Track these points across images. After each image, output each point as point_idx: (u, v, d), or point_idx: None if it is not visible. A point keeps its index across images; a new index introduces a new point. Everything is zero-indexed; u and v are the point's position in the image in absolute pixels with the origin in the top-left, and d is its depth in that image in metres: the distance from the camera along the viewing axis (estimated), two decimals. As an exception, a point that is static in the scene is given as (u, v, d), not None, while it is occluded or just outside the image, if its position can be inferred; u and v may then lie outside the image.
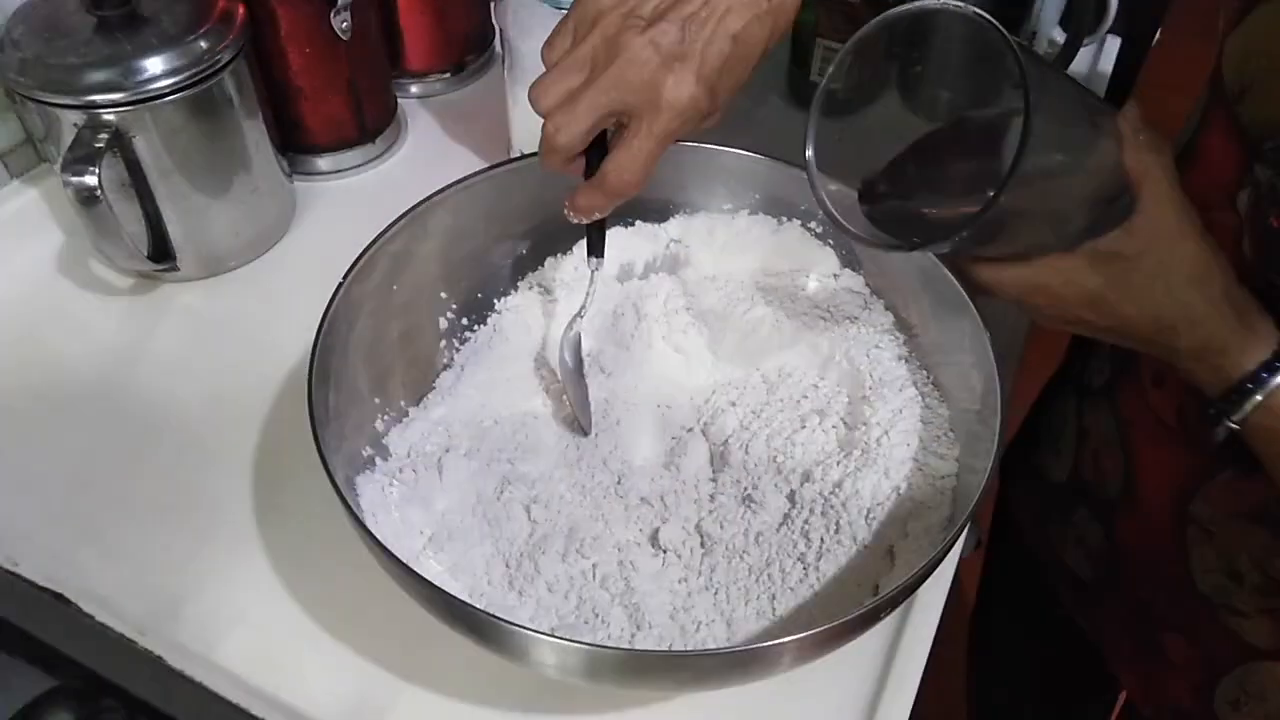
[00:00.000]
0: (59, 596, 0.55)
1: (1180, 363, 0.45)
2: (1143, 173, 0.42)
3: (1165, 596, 0.60)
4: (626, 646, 0.48)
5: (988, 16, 0.37)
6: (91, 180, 0.61)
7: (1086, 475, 0.65)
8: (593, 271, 0.56)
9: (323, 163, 0.82)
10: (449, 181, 0.58)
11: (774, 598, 0.51)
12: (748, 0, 0.44)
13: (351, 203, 0.81)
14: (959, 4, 0.38)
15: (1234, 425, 0.44)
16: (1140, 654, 0.65)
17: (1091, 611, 0.69)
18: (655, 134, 0.44)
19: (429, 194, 0.57)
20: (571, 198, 0.49)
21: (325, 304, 0.52)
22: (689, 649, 0.49)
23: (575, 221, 0.50)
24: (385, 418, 0.57)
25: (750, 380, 0.61)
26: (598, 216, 0.49)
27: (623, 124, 0.45)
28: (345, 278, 0.53)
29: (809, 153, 0.44)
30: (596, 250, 0.55)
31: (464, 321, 0.63)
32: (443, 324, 0.62)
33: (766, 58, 0.47)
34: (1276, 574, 0.52)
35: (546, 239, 0.64)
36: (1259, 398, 0.43)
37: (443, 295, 0.61)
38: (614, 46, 0.44)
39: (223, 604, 0.56)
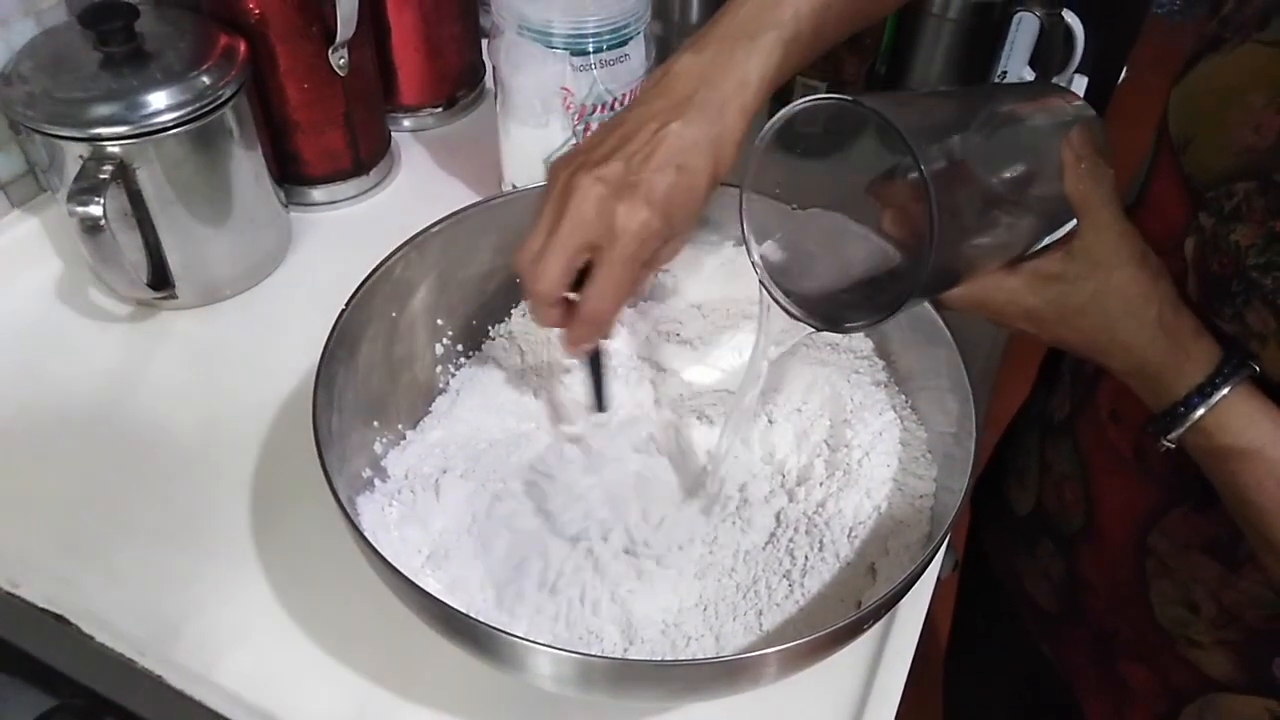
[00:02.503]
0: (59, 618, 0.56)
1: (1119, 378, 0.47)
2: (1082, 201, 0.44)
3: (1127, 628, 0.61)
4: (620, 656, 0.50)
5: (880, 113, 0.39)
6: (97, 210, 0.63)
7: (1050, 508, 0.66)
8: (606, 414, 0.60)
9: (318, 194, 0.84)
10: (439, 212, 0.60)
11: (761, 613, 0.53)
12: (689, 135, 0.47)
13: (345, 233, 0.83)
14: (839, 98, 0.41)
15: (1170, 444, 0.46)
16: (1104, 684, 0.66)
17: (1057, 642, 0.70)
18: (618, 260, 0.47)
19: (427, 224, 0.60)
20: (563, 337, 0.51)
21: (322, 331, 0.54)
22: (681, 659, 0.51)
23: (578, 360, 0.54)
24: (384, 440, 0.59)
25: (736, 405, 0.63)
26: (590, 347, 0.52)
27: (592, 260, 0.48)
28: (347, 305, 0.55)
29: (745, 222, 0.48)
30: (598, 403, 0.60)
31: (459, 347, 0.65)
32: (439, 350, 0.63)
33: (714, 189, 0.49)
34: (1230, 606, 0.53)
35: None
36: (1191, 421, 0.44)
37: (439, 322, 0.63)
38: (569, 191, 0.47)
39: (222, 624, 0.57)
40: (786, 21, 0.49)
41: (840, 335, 0.63)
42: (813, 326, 0.47)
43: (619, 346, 0.65)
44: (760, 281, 0.48)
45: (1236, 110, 0.47)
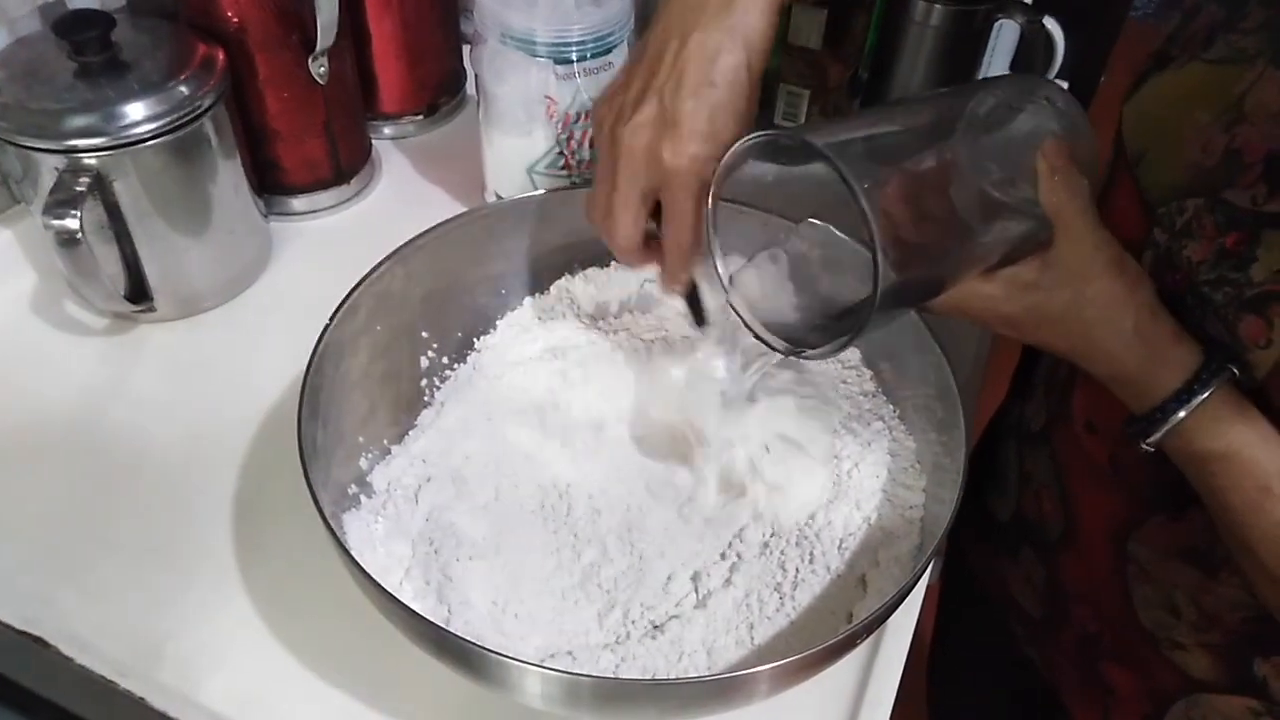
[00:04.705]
0: (38, 640, 0.55)
1: (1100, 381, 0.48)
2: (1057, 212, 0.44)
3: (1111, 632, 0.61)
4: (612, 675, 0.50)
5: (821, 149, 0.39)
6: (73, 223, 0.62)
7: (1029, 516, 0.67)
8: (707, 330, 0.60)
9: (298, 203, 0.83)
10: (421, 221, 0.60)
11: (752, 627, 0.52)
12: (712, 43, 0.47)
13: (326, 243, 0.82)
14: (791, 134, 0.41)
15: (1149, 447, 0.46)
16: (1089, 687, 0.66)
17: (1042, 646, 0.71)
18: (683, 198, 0.48)
19: (412, 236, 0.59)
20: (659, 276, 0.54)
21: (304, 342, 0.53)
22: (672, 678, 0.50)
23: (675, 294, 0.55)
24: (369, 455, 0.58)
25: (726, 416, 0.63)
26: (685, 278, 0.53)
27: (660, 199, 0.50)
28: (332, 318, 0.54)
29: (715, 251, 0.48)
30: (698, 319, 0.60)
31: (445, 360, 0.64)
32: (424, 362, 0.63)
33: (759, 77, 0.49)
34: (1210, 609, 0.54)
35: (525, 280, 0.66)
36: (1168, 425, 0.45)
37: (424, 334, 0.62)
38: (615, 144, 0.48)
39: (205, 644, 0.57)
40: None
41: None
42: (779, 351, 0.47)
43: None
44: (730, 305, 0.48)
45: (1185, 128, 0.48)
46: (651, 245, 0.51)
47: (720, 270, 0.48)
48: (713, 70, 0.46)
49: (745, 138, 0.43)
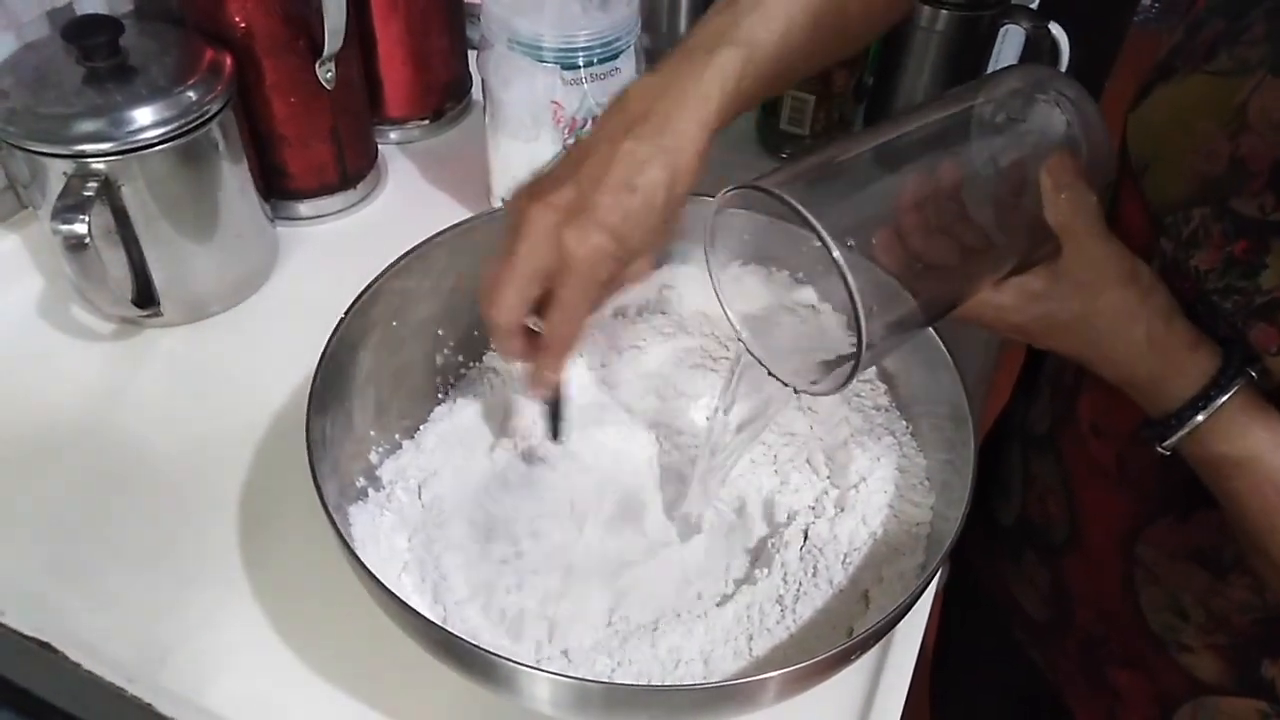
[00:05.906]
0: (45, 645, 0.55)
1: (1112, 384, 0.48)
2: (1064, 229, 0.44)
3: (1117, 635, 0.61)
4: (612, 681, 0.50)
5: (799, 209, 0.39)
6: (81, 228, 0.62)
7: (1034, 519, 0.67)
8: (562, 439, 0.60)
9: (304, 208, 0.83)
10: (427, 225, 0.60)
11: (751, 638, 0.52)
12: (642, 152, 0.46)
13: (332, 247, 0.82)
14: (763, 187, 0.40)
15: (1165, 450, 0.46)
16: (1094, 691, 0.66)
17: (1046, 649, 0.71)
18: (574, 287, 0.46)
19: (431, 234, 0.59)
20: (526, 375, 0.51)
21: (311, 347, 0.53)
22: (671, 684, 0.50)
23: (539, 399, 0.54)
24: (379, 449, 0.59)
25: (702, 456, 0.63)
26: (553, 378, 0.51)
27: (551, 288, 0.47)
28: (347, 312, 0.55)
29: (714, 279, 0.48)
30: (555, 431, 0.59)
31: (459, 358, 0.64)
32: (439, 360, 0.63)
33: (680, 202, 0.47)
34: (1219, 611, 0.54)
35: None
36: (1183, 431, 0.45)
37: (440, 333, 0.62)
38: (521, 221, 0.46)
39: (211, 648, 0.57)
40: (742, 41, 0.48)
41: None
42: (788, 385, 0.47)
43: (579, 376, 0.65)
44: (739, 339, 0.48)
45: (1189, 137, 0.48)
46: (531, 341, 0.49)
47: (724, 302, 0.48)
48: (636, 178, 0.45)
49: (730, 186, 0.43)
